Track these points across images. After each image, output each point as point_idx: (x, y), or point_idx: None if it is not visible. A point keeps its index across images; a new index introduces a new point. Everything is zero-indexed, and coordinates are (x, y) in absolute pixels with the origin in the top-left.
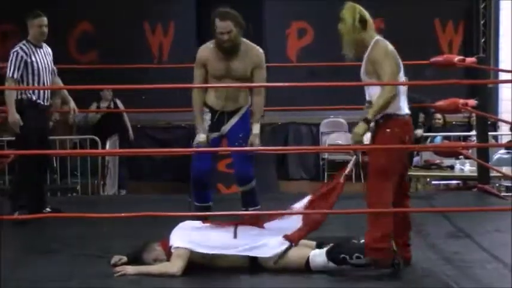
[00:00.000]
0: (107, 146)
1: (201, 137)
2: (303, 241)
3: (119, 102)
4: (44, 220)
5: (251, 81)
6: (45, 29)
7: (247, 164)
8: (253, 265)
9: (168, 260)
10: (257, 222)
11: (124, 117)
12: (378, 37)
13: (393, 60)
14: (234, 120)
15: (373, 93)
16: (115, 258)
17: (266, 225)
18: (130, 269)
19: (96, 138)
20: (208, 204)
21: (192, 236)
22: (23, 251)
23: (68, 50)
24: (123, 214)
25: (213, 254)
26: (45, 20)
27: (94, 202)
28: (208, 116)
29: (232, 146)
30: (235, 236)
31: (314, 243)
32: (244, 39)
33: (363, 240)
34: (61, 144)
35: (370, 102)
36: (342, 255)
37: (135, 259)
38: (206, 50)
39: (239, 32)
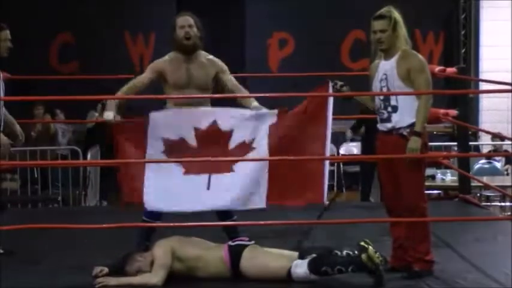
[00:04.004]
0: (88, 157)
1: (107, 114)
2: (285, 251)
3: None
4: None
5: (213, 91)
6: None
7: None
8: (235, 274)
9: (150, 270)
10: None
11: None
12: (405, 47)
13: (429, 72)
14: None
15: (401, 98)
16: (96, 270)
17: (235, 167)
18: (112, 280)
19: (77, 148)
20: (156, 223)
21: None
22: (3, 262)
23: (49, 61)
24: (104, 225)
25: (194, 261)
26: (9, 32)
27: (75, 213)
28: None
29: None
30: (208, 188)
31: (297, 253)
32: (204, 52)
33: (345, 252)
34: (42, 155)
35: (394, 107)
36: (324, 268)
37: (117, 270)
38: (162, 62)
39: (199, 35)
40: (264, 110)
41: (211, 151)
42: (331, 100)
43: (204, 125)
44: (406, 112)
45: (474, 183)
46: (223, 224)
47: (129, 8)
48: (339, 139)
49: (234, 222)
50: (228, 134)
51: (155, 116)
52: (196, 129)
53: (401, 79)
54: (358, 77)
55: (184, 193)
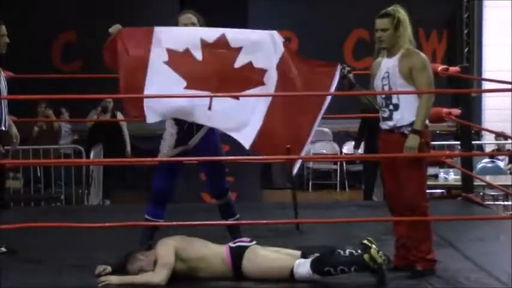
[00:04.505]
0: (91, 156)
1: (114, 26)
2: (287, 250)
3: (119, 114)
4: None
5: None
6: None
7: (220, 178)
8: (236, 275)
9: (153, 270)
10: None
11: (123, 130)
12: (408, 46)
13: (430, 71)
14: (203, 132)
15: (403, 96)
16: (99, 268)
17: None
18: (115, 279)
19: (80, 147)
20: (159, 222)
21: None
22: (5, 261)
23: (51, 60)
24: (107, 224)
25: (196, 261)
26: (5, 28)
27: (78, 212)
28: (174, 129)
29: (204, 162)
30: (209, 108)
31: (299, 252)
32: None
33: (348, 251)
34: (45, 154)
35: (396, 106)
36: (327, 268)
37: (120, 269)
38: None
39: None
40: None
41: (216, 69)
42: (335, 82)
43: (211, 37)
44: (407, 110)
45: (477, 183)
46: (225, 224)
47: (132, 7)
48: (341, 138)
49: (236, 222)
50: (236, 51)
51: (160, 28)
52: (203, 41)
53: (403, 77)
54: (362, 76)
55: (184, 105)
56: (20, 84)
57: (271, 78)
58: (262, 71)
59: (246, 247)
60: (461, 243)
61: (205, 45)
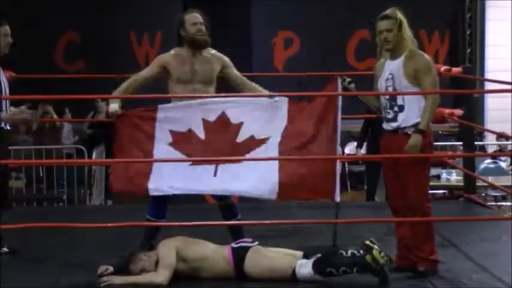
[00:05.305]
0: (94, 156)
1: (112, 106)
2: (289, 251)
3: None
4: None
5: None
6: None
7: None
8: (239, 275)
9: (155, 270)
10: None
11: None
12: (411, 47)
13: (435, 72)
14: None
15: (408, 97)
16: (101, 268)
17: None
18: (117, 279)
19: (82, 147)
20: (161, 223)
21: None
22: (7, 260)
23: (54, 60)
24: (109, 224)
25: (198, 262)
26: (8, 28)
27: (80, 212)
28: None
29: None
30: (215, 175)
31: (301, 253)
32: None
33: (350, 251)
34: (47, 154)
35: (401, 107)
36: (329, 269)
37: (122, 269)
38: (167, 56)
39: (207, 34)
40: (276, 98)
41: (219, 144)
42: (339, 97)
43: (212, 117)
44: (412, 112)
45: (479, 183)
46: (227, 224)
47: (134, 7)
48: (344, 139)
49: (238, 222)
50: (237, 127)
51: (164, 108)
52: (204, 121)
53: (408, 79)
54: (364, 77)
55: (189, 179)
56: (22, 83)
57: (275, 137)
58: (265, 139)
59: (248, 247)
60: (463, 244)
61: (207, 124)
